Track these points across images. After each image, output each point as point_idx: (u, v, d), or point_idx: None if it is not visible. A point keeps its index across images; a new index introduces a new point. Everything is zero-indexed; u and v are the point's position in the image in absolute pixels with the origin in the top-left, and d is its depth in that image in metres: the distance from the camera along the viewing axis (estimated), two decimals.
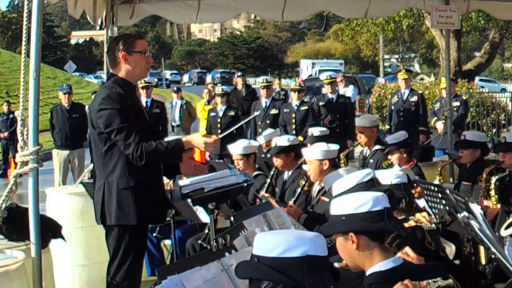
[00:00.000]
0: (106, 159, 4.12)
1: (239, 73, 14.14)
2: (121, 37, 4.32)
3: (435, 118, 10.57)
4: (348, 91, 14.32)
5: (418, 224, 3.94)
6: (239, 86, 13.18)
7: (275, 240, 2.29)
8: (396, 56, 63.22)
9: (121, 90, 4.13)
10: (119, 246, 4.15)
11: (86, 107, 11.89)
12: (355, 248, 2.68)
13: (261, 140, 7.91)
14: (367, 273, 2.68)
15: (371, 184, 3.62)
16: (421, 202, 4.82)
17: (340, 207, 2.73)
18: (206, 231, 5.22)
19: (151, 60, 4.37)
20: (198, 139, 4.23)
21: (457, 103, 10.55)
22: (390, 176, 3.95)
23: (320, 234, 2.36)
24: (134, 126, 4.04)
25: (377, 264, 2.66)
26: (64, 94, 10.86)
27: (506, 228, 3.84)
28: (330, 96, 10.35)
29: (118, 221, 4.10)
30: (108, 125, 4.03)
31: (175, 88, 15.16)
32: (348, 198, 2.77)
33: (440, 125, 9.98)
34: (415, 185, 4.66)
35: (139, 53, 4.23)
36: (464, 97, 11.98)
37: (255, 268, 2.30)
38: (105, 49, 7.17)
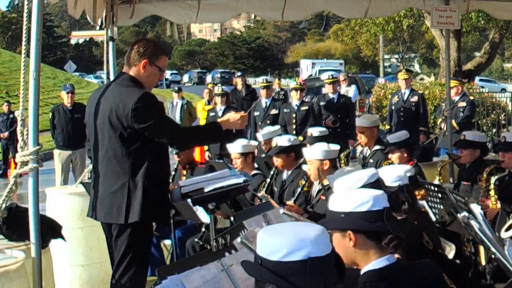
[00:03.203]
0: (133, 159, 4.10)
1: (239, 73, 14.14)
2: (152, 45, 4.34)
3: (440, 118, 10.54)
4: (350, 90, 14.31)
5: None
6: (239, 86, 13.17)
7: (277, 242, 2.27)
8: (396, 56, 63.26)
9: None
10: (129, 249, 4.13)
11: None
12: (352, 245, 2.69)
13: (260, 137, 7.90)
14: (362, 271, 2.70)
15: (377, 186, 3.60)
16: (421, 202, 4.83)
17: (339, 204, 2.73)
18: (203, 229, 5.22)
19: (162, 78, 4.55)
20: (232, 115, 4.37)
21: (463, 104, 10.47)
22: (392, 177, 3.94)
23: (321, 232, 2.32)
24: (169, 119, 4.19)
25: (372, 263, 2.68)
26: (67, 93, 10.84)
27: (507, 230, 3.85)
28: (331, 96, 10.33)
29: (142, 217, 4.10)
30: (147, 121, 4.04)
31: (176, 88, 15.17)
32: (349, 196, 2.77)
33: (444, 125, 9.96)
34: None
35: (158, 68, 4.31)
36: (471, 98, 11.89)
37: (257, 271, 2.30)
38: (105, 49, 7.21)
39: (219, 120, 4.40)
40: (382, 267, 2.67)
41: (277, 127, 8.62)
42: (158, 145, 4.17)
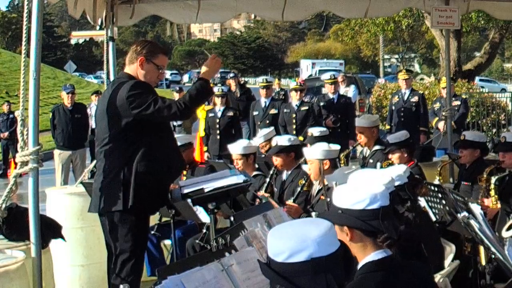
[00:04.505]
0: (126, 148, 4.20)
1: (231, 74, 14.03)
2: (149, 44, 4.47)
3: (436, 118, 10.59)
4: (350, 91, 14.30)
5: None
6: (233, 87, 13.11)
7: (280, 244, 2.33)
8: (396, 56, 63.19)
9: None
10: (126, 241, 4.18)
11: (88, 109, 11.90)
12: (349, 240, 2.74)
13: (257, 141, 7.87)
14: (360, 263, 2.74)
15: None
16: (422, 202, 4.83)
17: (339, 199, 2.79)
18: (204, 230, 5.22)
19: (162, 77, 4.59)
20: (206, 67, 4.44)
21: (458, 102, 10.59)
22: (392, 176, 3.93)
23: (326, 230, 2.35)
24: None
25: (370, 255, 2.73)
26: (68, 93, 10.85)
27: (508, 229, 3.84)
28: (331, 96, 10.34)
29: (135, 204, 4.15)
30: (143, 103, 4.15)
31: (177, 88, 15.18)
32: (347, 192, 2.81)
33: (442, 125, 10.00)
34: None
35: (156, 65, 4.37)
36: (463, 96, 12.01)
37: (266, 271, 2.37)
38: (105, 49, 7.21)
39: (201, 75, 4.46)
40: (380, 259, 2.72)
41: (271, 128, 8.60)
42: (155, 133, 4.24)
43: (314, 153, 5.63)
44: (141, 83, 4.28)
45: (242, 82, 14.28)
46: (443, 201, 4.69)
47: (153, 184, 4.24)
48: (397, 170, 4.09)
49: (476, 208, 3.87)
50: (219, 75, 47.45)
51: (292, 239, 2.32)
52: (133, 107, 4.15)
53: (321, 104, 10.22)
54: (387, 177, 3.52)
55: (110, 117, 4.25)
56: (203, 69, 4.49)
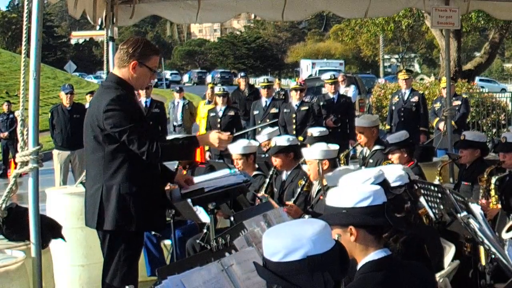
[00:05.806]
0: (107, 163, 3.99)
1: (242, 74, 14.18)
2: (141, 45, 4.14)
3: (437, 119, 10.59)
4: (350, 91, 14.33)
5: None
6: (242, 86, 13.19)
7: (276, 244, 2.33)
8: (396, 56, 63.21)
9: (125, 92, 4.07)
10: (114, 252, 4.07)
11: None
12: (353, 240, 2.74)
13: (260, 138, 7.89)
14: (361, 263, 2.75)
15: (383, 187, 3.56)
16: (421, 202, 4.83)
17: (340, 199, 2.78)
18: (205, 230, 5.23)
19: (154, 78, 4.38)
20: (213, 135, 4.20)
21: (458, 102, 10.60)
22: (392, 177, 3.93)
23: (320, 229, 2.35)
24: (144, 126, 4.03)
25: (370, 254, 2.74)
26: (66, 94, 10.84)
27: (508, 231, 3.84)
28: (331, 96, 10.35)
29: (117, 227, 4.00)
30: (118, 125, 3.91)
31: (178, 88, 15.21)
32: (349, 192, 2.82)
33: (442, 126, 10.00)
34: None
35: (149, 68, 4.15)
36: (464, 96, 12.04)
37: (262, 272, 2.36)
38: (105, 49, 7.21)
39: (198, 135, 4.21)
40: (380, 258, 2.73)
41: (275, 127, 8.60)
42: None
43: (313, 154, 5.62)
44: (122, 98, 3.97)
45: None
46: (443, 201, 4.69)
47: (137, 204, 4.01)
48: (394, 170, 4.09)
49: (476, 208, 3.87)
50: (219, 75, 47.65)
51: (287, 238, 2.32)
52: (108, 123, 3.93)
53: (321, 104, 10.23)
54: (374, 173, 3.53)
55: (91, 126, 4.05)
56: (210, 134, 4.20)
